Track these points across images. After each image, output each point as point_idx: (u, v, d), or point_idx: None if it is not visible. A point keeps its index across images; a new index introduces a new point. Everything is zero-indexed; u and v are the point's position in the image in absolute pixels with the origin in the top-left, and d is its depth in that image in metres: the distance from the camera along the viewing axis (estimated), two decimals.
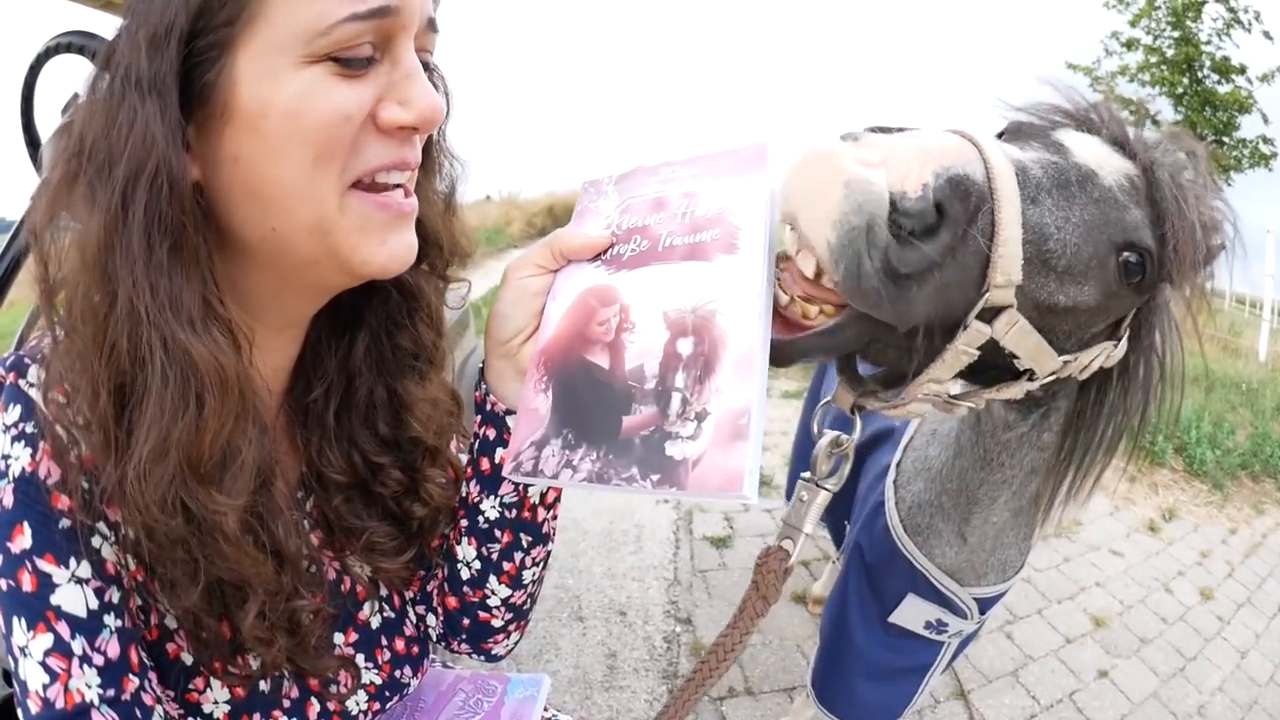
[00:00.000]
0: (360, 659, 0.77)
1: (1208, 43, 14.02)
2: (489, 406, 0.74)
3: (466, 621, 0.84)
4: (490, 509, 0.76)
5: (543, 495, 0.76)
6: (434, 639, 0.89)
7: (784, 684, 2.43)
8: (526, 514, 0.76)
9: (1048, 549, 3.77)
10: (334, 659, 0.71)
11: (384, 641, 0.81)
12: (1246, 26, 13.92)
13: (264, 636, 0.61)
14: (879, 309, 0.64)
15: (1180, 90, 14.04)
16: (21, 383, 0.57)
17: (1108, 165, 0.80)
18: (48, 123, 1.48)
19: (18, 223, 1.46)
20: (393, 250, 0.62)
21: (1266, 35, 13.95)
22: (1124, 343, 0.91)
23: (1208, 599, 3.54)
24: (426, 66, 0.64)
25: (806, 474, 0.82)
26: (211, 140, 0.55)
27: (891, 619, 1.46)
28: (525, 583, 0.81)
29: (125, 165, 0.52)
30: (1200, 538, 4.26)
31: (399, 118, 0.58)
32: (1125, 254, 0.77)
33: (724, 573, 3.15)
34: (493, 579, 0.80)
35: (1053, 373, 0.83)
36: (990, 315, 0.71)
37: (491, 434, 0.75)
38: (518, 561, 0.79)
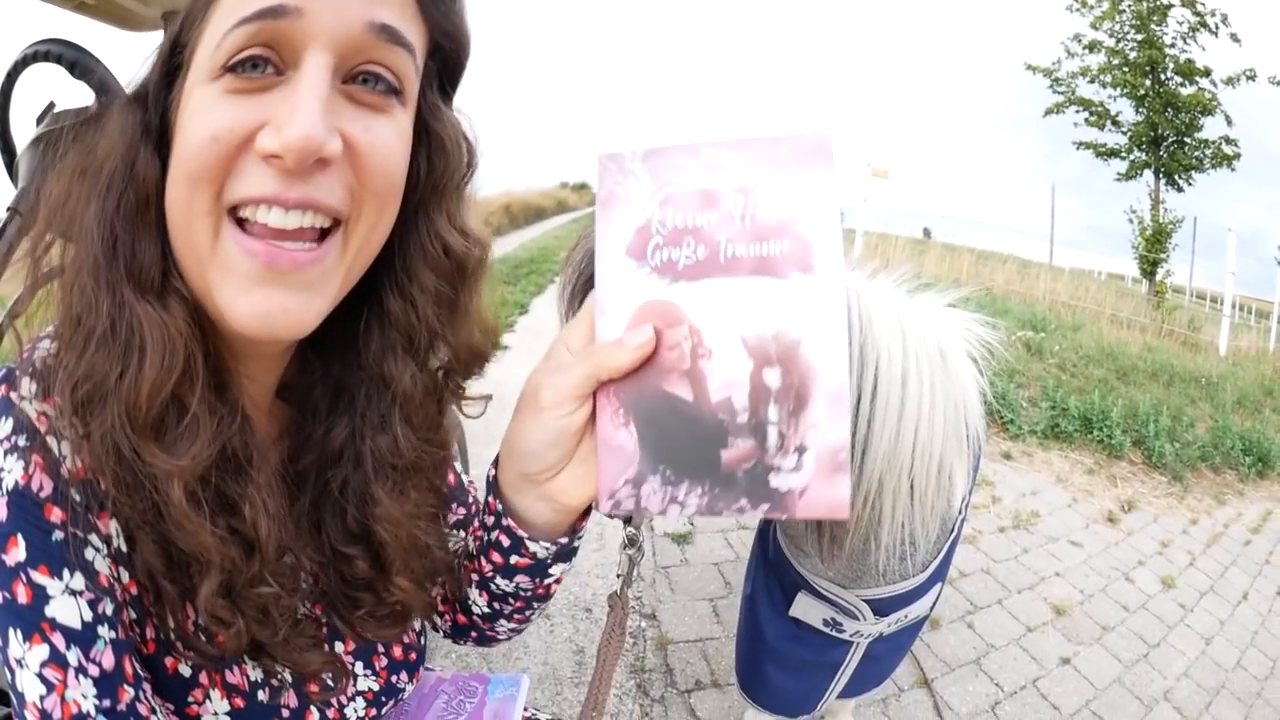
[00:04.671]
0: (359, 666, 0.76)
1: (1171, 45, 14.22)
2: (506, 523, 0.70)
3: (474, 635, 0.89)
4: (504, 585, 0.77)
5: (558, 577, 0.77)
6: (439, 631, 0.93)
7: None
8: (540, 591, 0.78)
9: (1006, 540, 3.81)
10: (319, 656, 0.68)
11: (381, 649, 0.79)
12: (1213, 29, 14.15)
13: (224, 616, 0.59)
14: None
15: (1142, 92, 14.21)
16: (13, 395, 0.56)
17: None
18: (22, 132, 1.46)
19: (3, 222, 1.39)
20: (257, 307, 0.54)
21: (1234, 38, 14.19)
22: None
23: (1169, 587, 3.59)
24: (378, 81, 0.56)
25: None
26: (168, 156, 0.57)
27: (791, 613, 1.56)
28: (533, 619, 0.85)
29: (101, 152, 0.56)
30: (1160, 528, 4.31)
31: (265, 144, 0.51)
32: None
33: (686, 568, 3.14)
34: (503, 621, 0.84)
35: None
36: None
37: (506, 542, 0.71)
38: (527, 615, 0.83)
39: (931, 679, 2.61)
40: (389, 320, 0.66)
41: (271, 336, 0.56)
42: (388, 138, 0.57)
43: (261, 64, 0.52)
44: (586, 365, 0.58)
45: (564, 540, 0.70)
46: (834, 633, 1.57)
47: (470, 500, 0.91)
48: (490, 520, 0.72)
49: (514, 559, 0.72)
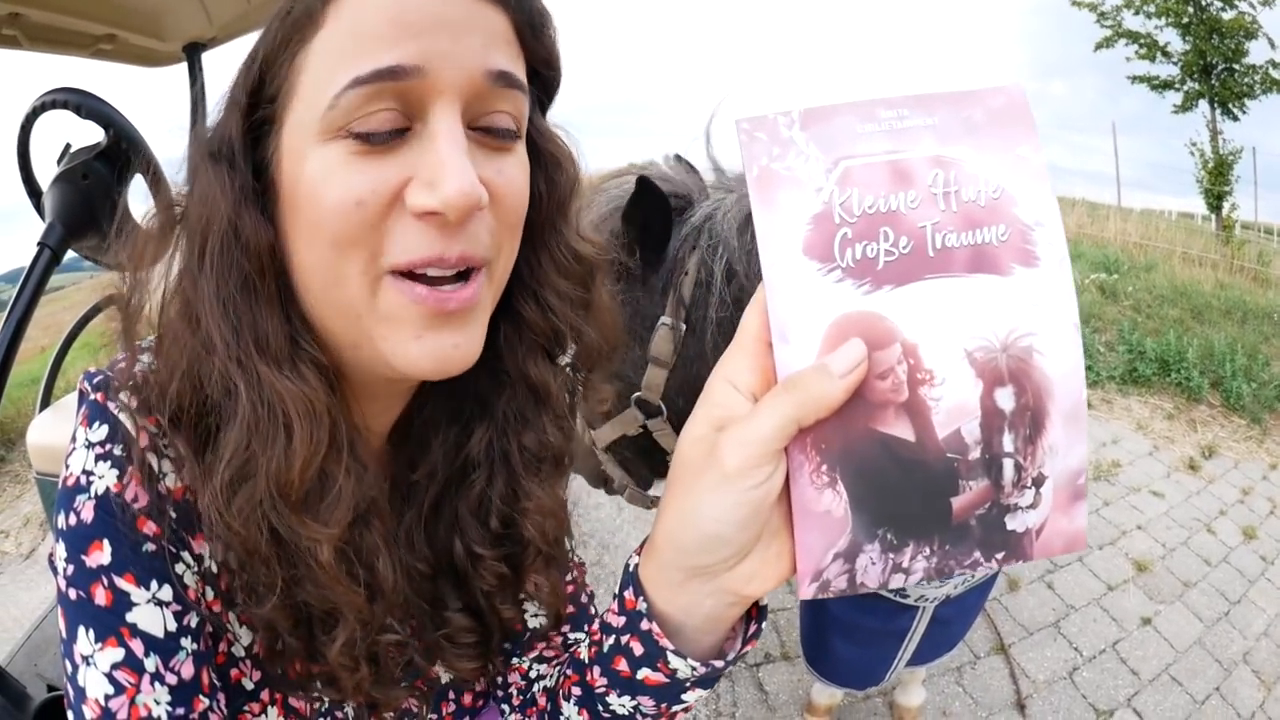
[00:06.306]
0: (421, 707, 0.75)
1: None
2: (646, 627, 0.55)
3: None
4: (620, 705, 0.63)
5: (688, 705, 0.63)
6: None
7: None
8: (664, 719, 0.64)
9: (1088, 493, 3.71)
10: (403, 690, 0.68)
11: (452, 695, 0.79)
12: None
13: (349, 664, 0.60)
14: None
15: (1186, 19, 13.67)
16: (111, 405, 0.57)
17: None
18: (45, 172, 1.60)
19: (23, 276, 1.53)
20: (428, 348, 0.54)
21: None
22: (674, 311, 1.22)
23: (1251, 538, 3.48)
24: (504, 131, 0.55)
25: None
26: (273, 212, 0.56)
27: None
28: None
29: (200, 219, 0.55)
30: (1241, 474, 4.17)
31: (423, 202, 0.50)
32: None
33: None
34: None
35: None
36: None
37: (639, 651, 0.57)
38: None
39: (1009, 644, 2.58)
40: (526, 326, 0.66)
41: (445, 374, 0.56)
42: (515, 176, 0.57)
43: (399, 133, 0.51)
44: (784, 408, 0.44)
45: (718, 664, 0.56)
46: (898, 598, 1.54)
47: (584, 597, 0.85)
48: (620, 622, 0.58)
49: (643, 673, 0.57)
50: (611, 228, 1.20)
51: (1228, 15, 13.47)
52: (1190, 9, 13.61)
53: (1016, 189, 0.47)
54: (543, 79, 0.62)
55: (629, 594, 0.56)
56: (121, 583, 0.54)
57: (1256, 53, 13.61)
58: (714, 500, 0.46)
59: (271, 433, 0.53)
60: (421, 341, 0.54)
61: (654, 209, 1.18)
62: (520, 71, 0.56)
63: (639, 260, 1.18)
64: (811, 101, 0.48)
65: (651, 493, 1.52)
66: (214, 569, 0.59)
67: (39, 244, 1.53)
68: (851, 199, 0.46)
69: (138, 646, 0.54)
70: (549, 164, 0.64)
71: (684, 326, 1.21)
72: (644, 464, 1.45)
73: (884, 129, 0.47)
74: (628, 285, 1.22)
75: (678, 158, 1.39)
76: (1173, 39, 14.15)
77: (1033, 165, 0.47)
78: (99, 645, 0.53)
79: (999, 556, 0.47)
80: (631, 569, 0.56)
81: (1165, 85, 14.51)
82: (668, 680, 0.57)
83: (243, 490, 0.53)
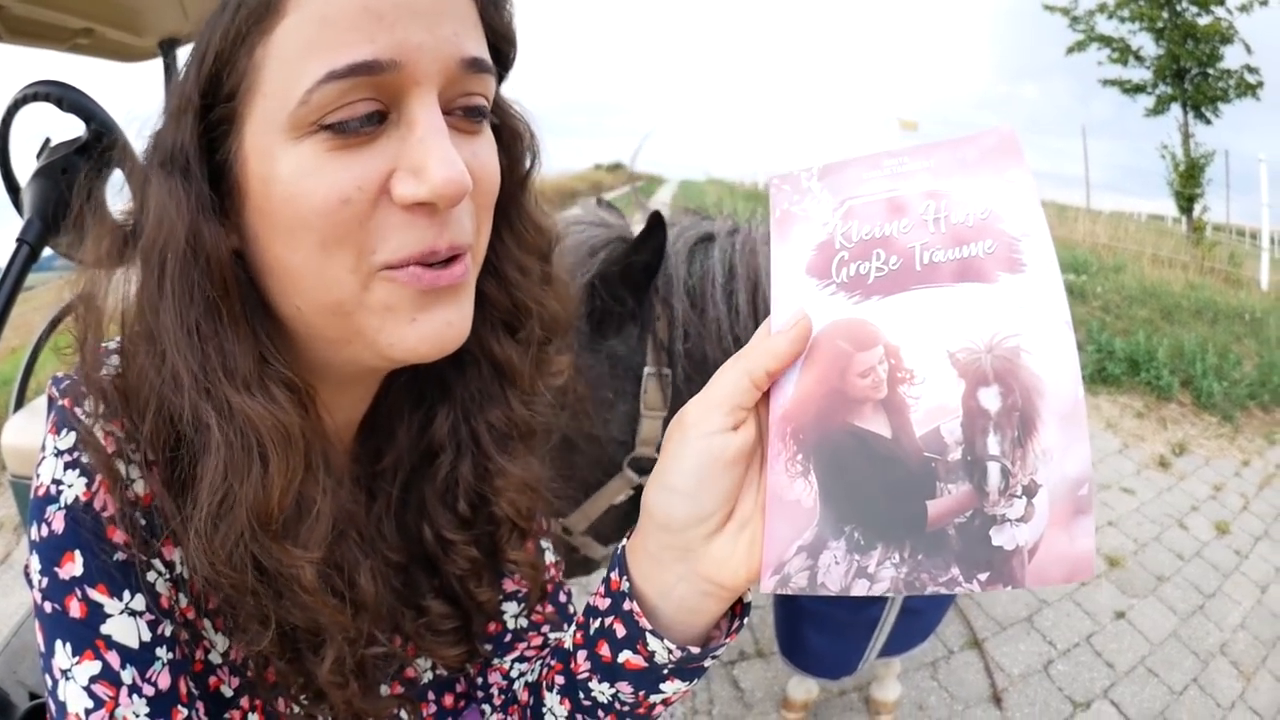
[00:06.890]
0: (403, 714, 0.74)
1: None
2: (628, 607, 0.57)
3: None
4: (599, 692, 0.64)
5: (666, 697, 0.63)
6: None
7: None
8: (642, 710, 0.64)
9: None
10: (390, 700, 0.68)
11: (431, 696, 0.78)
12: None
13: (339, 681, 0.59)
14: None
15: (1160, 24, 13.86)
16: (78, 410, 0.55)
17: None
18: (24, 167, 1.56)
19: (1, 273, 1.51)
20: (424, 330, 0.54)
21: None
22: (656, 358, 1.24)
23: (1224, 533, 3.54)
24: (477, 112, 0.55)
25: None
26: (237, 216, 0.54)
27: None
28: None
29: (156, 239, 0.52)
30: (1213, 471, 4.24)
31: (411, 192, 0.49)
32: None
33: None
34: None
35: None
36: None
37: (621, 632, 0.59)
38: None
39: (982, 639, 2.61)
40: (488, 303, 0.65)
41: (441, 354, 0.56)
42: (488, 157, 0.56)
43: (376, 117, 0.50)
44: (735, 365, 0.51)
45: (695, 649, 0.56)
46: None
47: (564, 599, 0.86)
48: (605, 604, 0.60)
49: (624, 656, 0.59)
50: (599, 264, 1.19)
51: (1203, 21, 13.67)
52: (1165, 14, 13.80)
53: (1004, 208, 0.50)
54: (500, 54, 0.61)
55: (615, 575, 0.59)
56: (94, 594, 0.53)
57: (1231, 57, 13.83)
58: (674, 455, 0.52)
59: (247, 464, 0.52)
60: (417, 324, 0.53)
61: (658, 248, 1.16)
62: (487, 53, 0.55)
63: (631, 305, 1.18)
64: (831, 158, 0.55)
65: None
66: (185, 575, 0.58)
67: (17, 240, 1.50)
68: (852, 229, 0.52)
69: (114, 659, 0.53)
70: (509, 138, 0.64)
71: (669, 371, 1.20)
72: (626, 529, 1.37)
73: (886, 174, 0.53)
74: (600, 338, 1.21)
75: (598, 200, 1.43)
76: (1146, 43, 14.36)
77: (1021, 186, 0.50)
78: (76, 659, 0.53)
79: (981, 578, 0.45)
80: (620, 552, 0.59)
81: (1137, 89, 14.72)
82: (646, 665, 0.58)
83: (222, 526, 0.52)
